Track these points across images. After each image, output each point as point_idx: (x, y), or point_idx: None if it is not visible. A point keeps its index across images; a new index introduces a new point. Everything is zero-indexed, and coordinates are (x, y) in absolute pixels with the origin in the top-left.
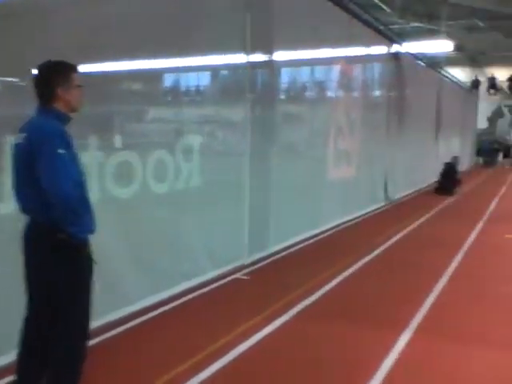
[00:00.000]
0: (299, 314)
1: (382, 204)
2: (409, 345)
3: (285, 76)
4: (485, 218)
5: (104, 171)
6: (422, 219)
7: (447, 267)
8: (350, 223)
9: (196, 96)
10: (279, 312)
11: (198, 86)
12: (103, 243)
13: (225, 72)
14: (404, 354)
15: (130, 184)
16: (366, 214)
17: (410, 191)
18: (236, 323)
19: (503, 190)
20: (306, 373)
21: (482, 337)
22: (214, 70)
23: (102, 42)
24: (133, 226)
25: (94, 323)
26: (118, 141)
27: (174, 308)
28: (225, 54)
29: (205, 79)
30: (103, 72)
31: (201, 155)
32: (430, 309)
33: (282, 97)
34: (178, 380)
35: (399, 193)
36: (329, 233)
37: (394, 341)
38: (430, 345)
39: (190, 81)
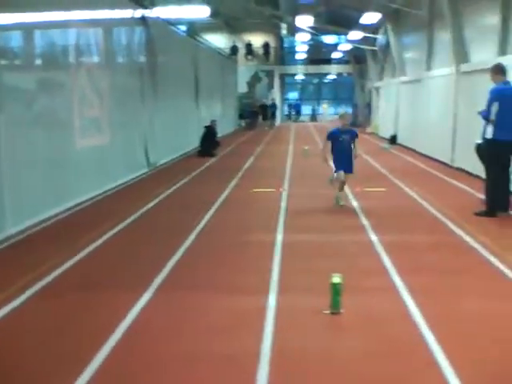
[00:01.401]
0: (37, 292)
1: (145, 170)
2: (150, 303)
3: (11, 40)
4: (239, 175)
5: None
6: (182, 182)
7: (198, 223)
8: (108, 193)
9: None
10: (12, 296)
11: None
12: None
13: None
14: (145, 311)
15: None
16: (127, 182)
17: (175, 155)
18: None
19: (259, 149)
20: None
21: (229, 285)
22: None
23: None
24: None
25: None
26: None
27: None
28: None
29: None
30: None
31: None
32: (176, 264)
33: (10, 62)
34: None
35: (163, 158)
36: (83, 205)
37: (135, 302)
38: (172, 299)
39: None
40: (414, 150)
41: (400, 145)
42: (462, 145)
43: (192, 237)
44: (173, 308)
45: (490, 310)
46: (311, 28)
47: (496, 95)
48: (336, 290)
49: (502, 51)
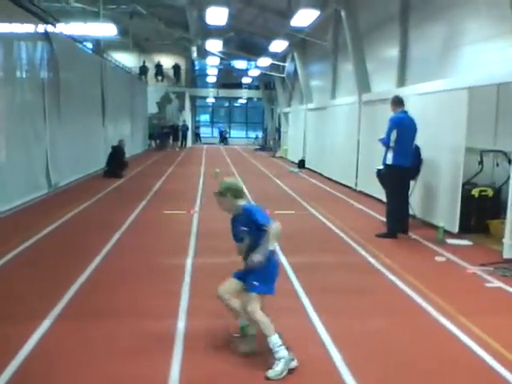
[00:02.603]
0: None
1: (46, 191)
2: (49, 332)
3: None
4: (149, 197)
5: None
6: (88, 203)
7: (103, 247)
8: (3, 215)
9: None
10: None
11: None
12: None
13: None
14: (45, 340)
15: None
16: (24, 203)
17: (79, 176)
18: None
19: (170, 170)
20: None
21: (138, 309)
22: None
23: None
24: None
25: None
26: None
27: None
28: None
29: None
30: None
31: None
32: (79, 290)
33: None
34: None
35: (66, 178)
36: None
37: (31, 332)
38: (74, 327)
39: None
40: (321, 174)
41: (308, 169)
42: (364, 170)
43: (97, 261)
44: (76, 335)
45: (392, 328)
46: (221, 52)
47: (395, 123)
48: None
49: (400, 83)
